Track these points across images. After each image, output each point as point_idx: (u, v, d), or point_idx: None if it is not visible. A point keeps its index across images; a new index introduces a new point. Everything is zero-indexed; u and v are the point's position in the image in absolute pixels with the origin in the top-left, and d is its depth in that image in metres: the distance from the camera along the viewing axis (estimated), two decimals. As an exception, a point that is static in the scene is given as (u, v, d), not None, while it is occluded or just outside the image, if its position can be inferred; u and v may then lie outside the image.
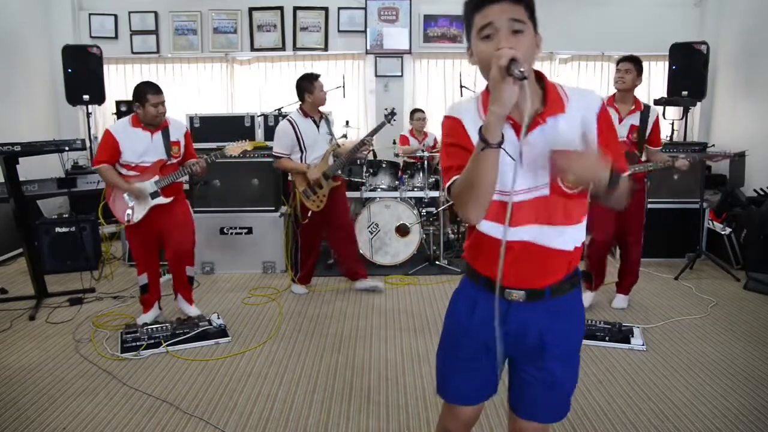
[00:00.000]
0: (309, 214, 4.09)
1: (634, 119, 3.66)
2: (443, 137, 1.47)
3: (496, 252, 1.38)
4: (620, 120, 3.66)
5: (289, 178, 4.30)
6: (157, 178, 3.53)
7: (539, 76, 1.42)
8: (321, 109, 4.16)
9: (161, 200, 3.55)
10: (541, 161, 1.36)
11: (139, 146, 3.50)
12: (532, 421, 1.56)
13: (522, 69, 1.20)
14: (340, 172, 4.23)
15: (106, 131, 3.52)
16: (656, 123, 3.71)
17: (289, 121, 4.07)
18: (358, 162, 5.18)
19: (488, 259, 1.44)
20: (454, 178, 1.37)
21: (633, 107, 3.69)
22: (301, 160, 4.08)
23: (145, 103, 3.44)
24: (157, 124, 3.54)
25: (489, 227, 1.44)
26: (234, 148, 3.66)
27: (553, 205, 1.40)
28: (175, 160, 3.63)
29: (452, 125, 1.44)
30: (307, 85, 4.03)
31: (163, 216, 3.60)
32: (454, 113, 1.45)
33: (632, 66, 3.66)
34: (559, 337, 1.50)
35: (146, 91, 3.44)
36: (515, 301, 1.47)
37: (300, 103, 4.14)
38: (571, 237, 1.44)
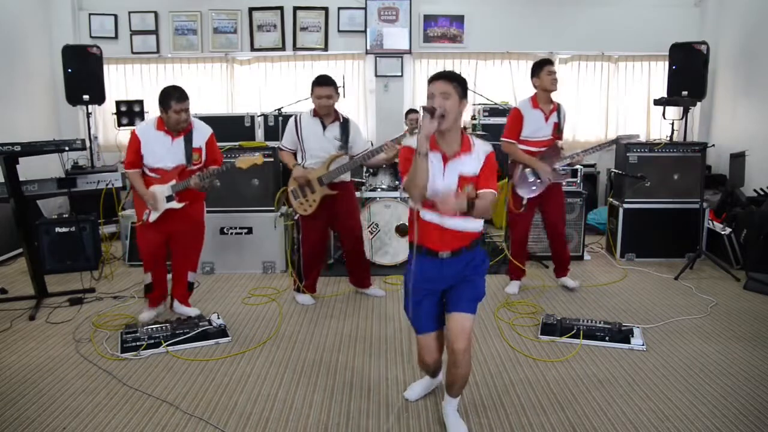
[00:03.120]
0: (296, 217, 3.98)
1: (555, 117, 4.10)
2: (402, 157, 2.42)
3: (434, 231, 2.40)
4: (546, 119, 4.08)
5: None
6: (174, 182, 3.56)
7: (462, 133, 2.41)
8: (342, 113, 4.01)
9: (174, 204, 3.59)
10: (455, 178, 2.37)
11: (159, 150, 3.54)
12: (464, 312, 2.45)
13: (434, 110, 2.24)
14: (350, 179, 4.09)
15: (132, 131, 3.59)
16: (565, 119, 4.24)
17: (295, 117, 4.01)
18: (372, 170, 5.12)
19: (428, 237, 2.43)
20: (405, 178, 2.36)
21: (552, 106, 4.10)
22: (299, 159, 4.01)
23: (168, 110, 3.45)
24: (179, 129, 3.55)
25: (427, 215, 2.41)
26: (244, 161, 3.61)
27: None
28: (195, 167, 3.64)
29: (410, 151, 2.34)
30: (312, 88, 3.89)
31: (176, 220, 3.64)
32: (412, 145, 2.33)
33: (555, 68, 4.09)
34: (473, 270, 2.49)
35: (170, 96, 3.44)
36: (446, 258, 2.44)
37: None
38: (471, 223, 2.42)
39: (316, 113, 3.95)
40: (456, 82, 2.33)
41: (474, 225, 2.45)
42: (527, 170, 4.09)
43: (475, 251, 2.48)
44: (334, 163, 3.92)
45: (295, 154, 4.04)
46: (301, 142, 3.96)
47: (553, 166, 4.06)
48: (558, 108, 4.13)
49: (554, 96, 4.19)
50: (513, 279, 4.41)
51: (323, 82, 3.86)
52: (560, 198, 4.27)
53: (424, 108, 2.27)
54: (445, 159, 2.37)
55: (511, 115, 4.12)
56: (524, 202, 4.12)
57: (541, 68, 4.02)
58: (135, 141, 3.55)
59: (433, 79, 2.36)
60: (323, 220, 4.05)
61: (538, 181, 4.07)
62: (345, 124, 3.99)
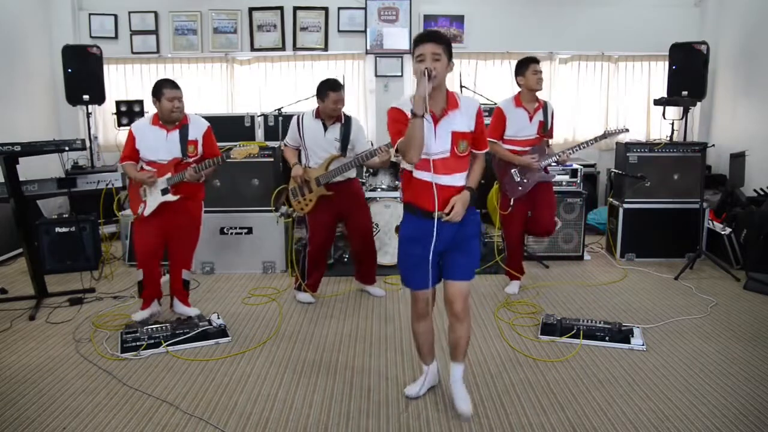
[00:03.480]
0: (294, 214, 3.97)
1: (540, 116, 4.05)
2: (392, 119, 2.46)
3: (428, 190, 2.43)
4: (530, 118, 4.03)
5: None
6: (169, 175, 3.58)
7: (447, 90, 2.48)
8: (344, 112, 4.01)
9: (170, 197, 3.59)
10: (448, 137, 2.43)
11: (154, 143, 3.58)
12: (462, 281, 2.56)
13: (431, 71, 2.29)
14: (352, 177, 4.08)
15: (129, 129, 3.67)
16: (553, 117, 4.16)
17: (298, 117, 4.02)
18: (371, 170, 5.14)
19: (422, 196, 2.46)
20: (400, 140, 2.38)
21: (536, 105, 4.04)
22: (303, 160, 4.04)
23: (161, 97, 3.51)
24: (173, 120, 3.57)
25: (421, 174, 2.46)
26: (240, 152, 3.60)
27: (452, 161, 2.46)
28: (191, 159, 3.65)
29: (399, 113, 2.45)
30: (322, 91, 3.85)
31: (173, 216, 3.64)
32: (401, 107, 2.45)
33: (540, 66, 4.03)
34: (468, 230, 2.55)
35: (163, 85, 3.54)
36: (441, 219, 2.43)
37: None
38: (463, 178, 2.51)
39: (318, 114, 3.96)
40: (444, 44, 2.37)
41: (465, 177, 2.52)
42: (513, 170, 4.07)
43: (469, 210, 2.52)
44: (333, 163, 3.92)
45: (299, 151, 4.07)
46: (303, 142, 3.98)
47: (540, 163, 4.02)
48: (544, 106, 4.08)
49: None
50: (513, 279, 4.40)
51: (339, 86, 3.87)
52: (550, 198, 4.20)
53: (424, 70, 2.30)
54: (435, 119, 2.42)
55: (494, 114, 4.09)
56: (511, 202, 4.10)
57: (527, 67, 3.98)
58: (131, 137, 3.64)
59: (421, 41, 2.37)
60: (330, 219, 4.05)
61: (524, 180, 4.04)
62: (347, 124, 3.98)
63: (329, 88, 3.84)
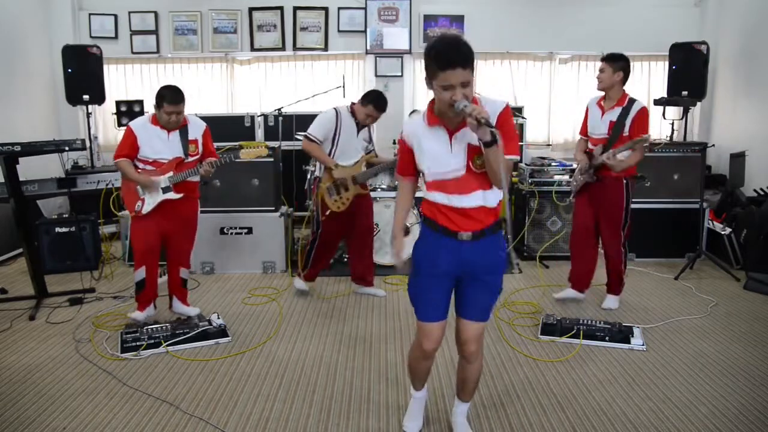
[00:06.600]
0: (327, 213, 3.97)
1: (613, 115, 3.77)
2: (399, 150, 2.36)
3: (446, 212, 2.18)
4: (602, 116, 3.88)
5: (313, 174, 4.21)
6: (171, 173, 3.57)
7: (473, 98, 2.08)
8: None
9: (172, 195, 3.57)
10: (463, 151, 2.13)
11: (156, 144, 3.57)
12: (479, 322, 2.28)
13: (464, 107, 1.96)
14: (369, 181, 4.21)
15: (127, 126, 3.61)
16: (638, 116, 3.73)
17: (337, 111, 3.99)
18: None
19: (442, 216, 2.20)
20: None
21: (614, 103, 3.80)
22: (329, 155, 4.03)
23: (160, 108, 3.50)
24: (170, 128, 3.58)
25: (434, 196, 2.20)
26: (249, 153, 3.61)
27: (469, 179, 2.13)
28: (192, 159, 3.66)
29: (402, 144, 2.32)
30: (377, 103, 3.97)
31: (172, 213, 3.63)
32: (404, 137, 2.30)
33: (606, 65, 3.77)
34: (493, 261, 2.24)
35: (165, 97, 3.48)
36: (465, 241, 2.18)
37: (354, 102, 4.09)
38: (487, 197, 2.16)
39: (354, 114, 4.04)
40: (471, 64, 1.99)
41: (487, 196, 2.18)
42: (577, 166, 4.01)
43: (496, 237, 2.22)
44: (363, 163, 4.07)
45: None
46: (337, 138, 3.99)
47: (586, 167, 3.87)
48: (626, 105, 3.75)
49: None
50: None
51: (386, 107, 4.03)
52: (605, 202, 3.93)
53: (462, 108, 1.97)
54: (450, 132, 2.13)
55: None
56: (572, 197, 4.09)
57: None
58: (131, 135, 3.55)
59: (449, 65, 1.95)
60: (344, 215, 4.07)
61: (579, 176, 3.97)
62: (369, 127, 4.17)
63: (379, 108, 3.96)
